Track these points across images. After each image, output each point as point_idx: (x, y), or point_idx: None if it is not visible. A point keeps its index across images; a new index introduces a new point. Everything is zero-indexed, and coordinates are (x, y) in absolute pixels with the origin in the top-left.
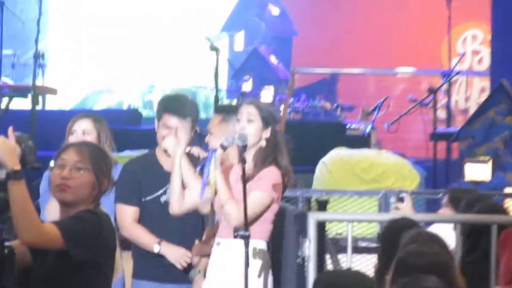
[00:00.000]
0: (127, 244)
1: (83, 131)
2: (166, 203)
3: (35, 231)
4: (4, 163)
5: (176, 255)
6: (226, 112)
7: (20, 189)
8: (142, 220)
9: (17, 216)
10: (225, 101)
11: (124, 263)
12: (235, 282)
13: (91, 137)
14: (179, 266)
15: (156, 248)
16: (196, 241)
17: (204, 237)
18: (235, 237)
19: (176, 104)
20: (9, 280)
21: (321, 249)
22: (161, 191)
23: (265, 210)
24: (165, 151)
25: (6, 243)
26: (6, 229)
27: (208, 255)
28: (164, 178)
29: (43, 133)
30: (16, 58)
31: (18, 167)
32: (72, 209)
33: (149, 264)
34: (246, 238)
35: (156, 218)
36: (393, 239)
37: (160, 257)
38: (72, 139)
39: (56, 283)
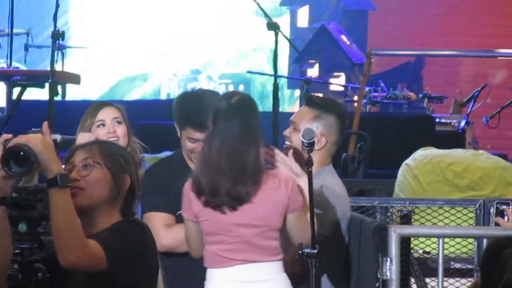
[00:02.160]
0: None
1: (114, 120)
2: None
3: (80, 251)
4: (46, 166)
5: None
6: (323, 109)
7: (66, 198)
8: None
9: (60, 232)
10: (286, 91)
11: None
12: None
13: (123, 129)
14: None
15: None
16: None
17: None
18: (300, 255)
19: (200, 116)
20: None
21: (405, 271)
22: None
23: None
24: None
25: (38, 265)
26: (35, 248)
27: None
28: None
29: (64, 128)
30: (30, 38)
31: (63, 170)
32: (93, 218)
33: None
34: (314, 258)
35: None
36: (496, 259)
37: (196, 281)
38: (101, 132)
39: None
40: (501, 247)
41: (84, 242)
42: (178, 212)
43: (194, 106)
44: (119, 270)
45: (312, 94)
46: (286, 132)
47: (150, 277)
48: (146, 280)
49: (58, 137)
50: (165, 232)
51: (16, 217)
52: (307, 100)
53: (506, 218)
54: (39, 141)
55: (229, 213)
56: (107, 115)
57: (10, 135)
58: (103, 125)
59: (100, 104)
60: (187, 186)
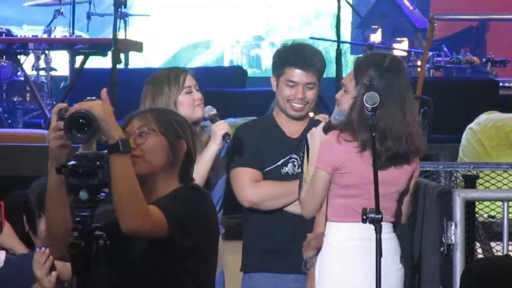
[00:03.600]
0: (231, 233)
1: (196, 86)
2: (288, 175)
3: (142, 217)
4: (108, 132)
5: None
6: None
7: (128, 164)
8: None
9: (122, 199)
10: (349, 56)
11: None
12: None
13: (202, 96)
14: None
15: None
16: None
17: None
18: (364, 221)
19: (301, 56)
20: (103, 276)
21: (470, 235)
22: (282, 160)
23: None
24: (292, 117)
25: (99, 232)
26: (95, 215)
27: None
28: (286, 144)
29: (126, 97)
30: (93, 6)
31: (124, 136)
32: (152, 185)
33: (265, 252)
34: (378, 222)
35: None
36: None
37: (277, 241)
38: (186, 99)
39: (149, 277)
40: None
41: (145, 208)
42: (266, 169)
43: (295, 48)
44: (180, 236)
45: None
46: (338, 95)
47: (211, 242)
48: (206, 245)
49: (213, 110)
50: (252, 187)
51: (76, 185)
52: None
53: None
54: (100, 107)
55: (380, 170)
56: (191, 81)
57: (65, 104)
58: (191, 92)
59: (182, 70)
60: (330, 137)
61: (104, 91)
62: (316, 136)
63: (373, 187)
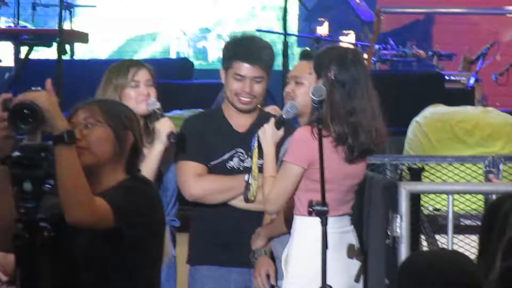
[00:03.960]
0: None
1: (147, 82)
2: (233, 169)
3: (88, 208)
4: (53, 123)
5: None
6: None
7: (73, 156)
8: None
9: (67, 190)
10: (295, 49)
11: (178, 247)
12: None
13: (155, 92)
14: None
15: (246, 176)
16: (264, 221)
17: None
18: (310, 213)
19: (251, 49)
20: (47, 267)
21: (415, 228)
22: (228, 154)
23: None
24: (240, 110)
25: (43, 224)
26: (44, 208)
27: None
28: (232, 138)
29: (72, 88)
30: None
31: (69, 127)
32: (98, 176)
33: (210, 246)
34: (324, 214)
35: None
36: (501, 216)
37: (222, 235)
38: (131, 93)
39: (95, 268)
40: (502, 202)
41: (90, 199)
42: (211, 163)
43: (243, 41)
44: (126, 227)
45: (307, 48)
46: (288, 89)
47: (156, 234)
48: (152, 236)
49: (157, 104)
50: (195, 181)
51: (20, 176)
52: (302, 55)
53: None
54: (44, 98)
55: (347, 163)
56: (142, 76)
57: (9, 95)
58: (138, 86)
59: (134, 64)
60: (303, 132)
61: (48, 82)
62: (268, 132)
63: (348, 180)
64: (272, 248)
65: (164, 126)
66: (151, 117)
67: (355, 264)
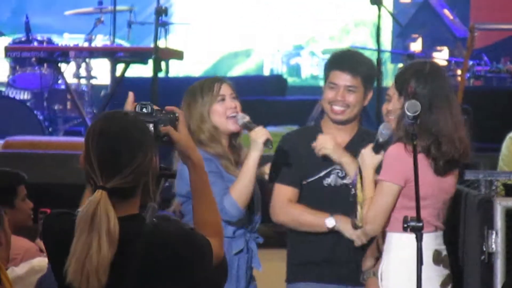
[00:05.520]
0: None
1: (231, 96)
2: (330, 186)
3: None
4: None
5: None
6: None
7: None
8: None
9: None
10: (389, 65)
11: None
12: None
13: (238, 105)
14: (358, 243)
15: (329, 223)
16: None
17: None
18: (405, 229)
19: (347, 59)
20: None
21: (510, 244)
22: (325, 171)
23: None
24: (335, 121)
25: None
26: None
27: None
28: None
29: (167, 105)
30: (133, 15)
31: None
32: None
33: (307, 263)
34: (419, 230)
35: (318, 205)
36: None
37: (323, 251)
38: (219, 108)
39: None
40: None
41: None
42: (307, 180)
43: (342, 53)
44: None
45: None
46: (390, 107)
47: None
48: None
49: (246, 117)
50: (285, 208)
51: None
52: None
53: None
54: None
55: (440, 177)
56: (226, 90)
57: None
58: (224, 100)
59: (216, 79)
60: (397, 149)
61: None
62: (366, 157)
63: (442, 195)
64: None
65: (260, 134)
66: (235, 135)
67: (442, 271)
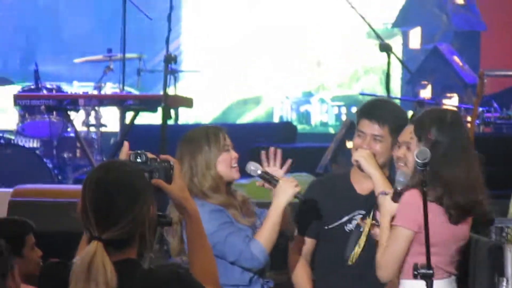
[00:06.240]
0: None
1: (231, 145)
2: (352, 232)
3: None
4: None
5: None
6: None
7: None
8: (321, 252)
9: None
10: None
11: None
12: None
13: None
14: None
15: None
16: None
17: None
18: (415, 276)
19: (374, 108)
20: None
21: None
22: (347, 217)
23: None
24: (358, 167)
25: None
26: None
27: None
28: (353, 201)
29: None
30: (143, 63)
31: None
32: None
33: None
34: (429, 278)
35: (338, 250)
36: None
37: None
38: (226, 157)
39: None
40: None
41: None
42: (329, 227)
43: (373, 102)
44: None
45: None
46: (400, 154)
47: None
48: None
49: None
50: (293, 264)
51: None
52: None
53: None
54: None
55: (453, 225)
56: (228, 140)
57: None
58: (229, 150)
59: (219, 128)
60: (412, 195)
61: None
62: (385, 205)
63: (456, 242)
64: None
65: (292, 185)
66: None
67: None
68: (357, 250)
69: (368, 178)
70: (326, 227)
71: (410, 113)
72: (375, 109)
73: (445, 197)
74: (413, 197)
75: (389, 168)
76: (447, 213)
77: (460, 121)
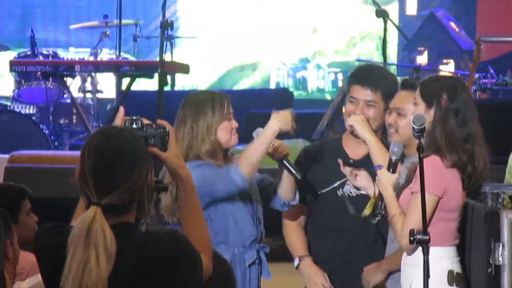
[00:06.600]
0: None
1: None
2: (344, 196)
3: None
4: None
5: (313, 277)
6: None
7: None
8: (315, 217)
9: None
10: None
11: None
12: None
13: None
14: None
15: (295, 262)
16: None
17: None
18: (411, 242)
19: (368, 74)
20: None
21: None
22: (339, 182)
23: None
24: (351, 132)
25: None
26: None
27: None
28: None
29: (173, 118)
30: (139, 29)
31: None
32: None
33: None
34: (425, 243)
35: (331, 215)
36: None
37: (331, 262)
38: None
39: None
40: None
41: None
42: (321, 192)
43: (363, 68)
44: None
45: (407, 78)
46: (391, 120)
47: None
48: None
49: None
50: (285, 227)
51: None
52: (406, 85)
53: None
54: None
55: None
56: (231, 108)
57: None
58: (230, 119)
59: (225, 96)
60: (436, 161)
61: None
62: (382, 178)
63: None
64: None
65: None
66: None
67: None
68: (370, 203)
69: (361, 143)
70: (318, 192)
71: (408, 79)
72: (367, 74)
73: (469, 165)
74: (436, 162)
75: (381, 134)
76: (467, 181)
77: (467, 88)
